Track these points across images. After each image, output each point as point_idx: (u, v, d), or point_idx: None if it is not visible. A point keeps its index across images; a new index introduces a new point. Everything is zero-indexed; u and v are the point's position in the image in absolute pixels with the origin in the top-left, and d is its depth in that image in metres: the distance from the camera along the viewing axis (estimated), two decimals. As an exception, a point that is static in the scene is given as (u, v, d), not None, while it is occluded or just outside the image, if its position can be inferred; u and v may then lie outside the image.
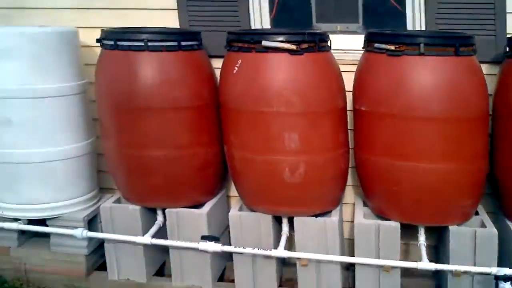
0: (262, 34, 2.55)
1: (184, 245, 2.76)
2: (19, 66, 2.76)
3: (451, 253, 2.60)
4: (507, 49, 2.64)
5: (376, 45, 2.54)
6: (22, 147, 2.82)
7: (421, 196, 2.53)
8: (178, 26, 3.03)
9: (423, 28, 2.85)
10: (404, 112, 2.46)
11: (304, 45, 2.51)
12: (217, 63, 2.83)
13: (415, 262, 2.58)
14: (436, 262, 2.62)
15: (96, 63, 2.77)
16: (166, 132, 2.67)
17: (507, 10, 2.74)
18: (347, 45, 2.91)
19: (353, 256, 2.67)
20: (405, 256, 2.96)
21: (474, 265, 2.56)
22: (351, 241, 2.82)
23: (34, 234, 3.08)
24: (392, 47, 2.48)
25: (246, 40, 2.52)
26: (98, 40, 2.72)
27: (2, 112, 2.78)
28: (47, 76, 2.81)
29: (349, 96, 2.71)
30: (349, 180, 2.91)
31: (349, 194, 3.01)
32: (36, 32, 2.79)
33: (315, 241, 2.66)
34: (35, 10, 3.20)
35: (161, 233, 2.88)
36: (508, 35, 2.71)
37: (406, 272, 2.74)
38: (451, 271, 2.59)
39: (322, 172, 2.63)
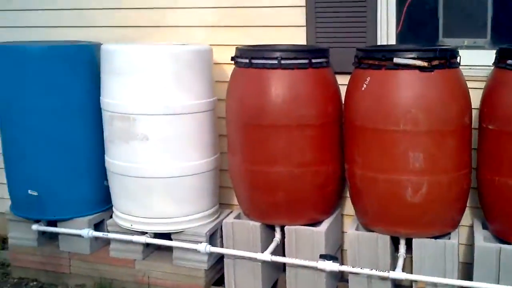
0: (394, 51, 2.65)
1: (303, 263, 2.88)
2: (160, 83, 2.98)
3: None
4: None
5: (509, 61, 2.57)
6: (155, 162, 3.05)
7: None
8: (305, 43, 3.20)
9: None
10: None
11: (435, 62, 2.59)
12: (341, 80, 2.96)
13: None
14: None
15: (229, 80, 2.99)
16: (292, 149, 2.81)
17: None
18: (473, 61, 2.95)
19: (468, 279, 2.70)
20: None
21: None
22: (464, 265, 2.90)
23: (157, 248, 3.33)
24: None
25: (377, 58, 2.63)
26: (232, 58, 2.93)
27: (142, 129, 3.01)
28: (186, 93, 3.04)
29: (474, 114, 2.74)
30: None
31: (466, 216, 3.00)
32: (177, 50, 3.04)
33: (432, 263, 2.71)
34: (170, 28, 3.50)
35: (277, 250, 3.03)
36: None
37: None
38: None
39: (445, 193, 2.67)
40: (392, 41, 3.14)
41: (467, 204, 2.91)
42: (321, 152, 2.87)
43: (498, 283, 2.60)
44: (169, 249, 3.20)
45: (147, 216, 3.13)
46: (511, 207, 2.57)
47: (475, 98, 2.73)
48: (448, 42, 3.09)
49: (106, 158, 3.22)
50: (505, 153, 2.56)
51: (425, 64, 2.56)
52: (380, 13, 3.08)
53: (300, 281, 2.94)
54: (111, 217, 3.34)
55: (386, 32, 3.13)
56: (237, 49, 2.93)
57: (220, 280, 3.20)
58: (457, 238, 2.76)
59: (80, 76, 3.25)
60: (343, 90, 2.89)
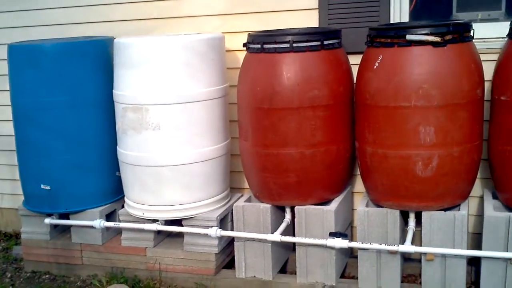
0: (406, 28, 2.76)
1: (313, 242, 3.01)
2: (172, 73, 3.13)
3: None
4: None
5: None
6: (166, 151, 3.19)
7: None
8: (317, 26, 3.35)
9: None
10: None
11: (448, 37, 2.69)
12: (353, 60, 3.09)
13: None
14: None
15: (241, 66, 3.14)
16: (303, 130, 2.94)
17: None
18: (487, 33, 3.04)
19: (476, 249, 2.82)
20: None
21: None
22: (474, 235, 3.04)
23: (168, 235, 3.49)
24: None
25: (389, 35, 2.75)
26: (244, 44, 3.08)
27: (154, 119, 3.16)
28: (197, 81, 3.19)
29: (487, 86, 2.85)
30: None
31: (476, 187, 3.10)
32: (189, 40, 3.19)
33: (442, 235, 2.83)
34: (182, 19, 3.66)
35: (287, 230, 3.15)
36: None
37: None
38: None
39: (456, 165, 2.78)
40: (406, 19, 3.26)
41: (478, 176, 3.01)
42: (332, 131, 2.99)
43: (506, 251, 2.72)
44: (180, 235, 3.36)
45: (159, 204, 3.27)
46: (506, 171, 2.71)
47: (490, 71, 2.83)
48: (462, 17, 3.20)
49: (118, 149, 3.40)
50: None
51: (438, 39, 2.66)
52: (394, -9, 3.24)
53: (310, 259, 3.07)
54: (122, 207, 3.51)
55: (400, 10, 3.24)
56: (249, 35, 3.09)
57: (231, 263, 3.35)
58: (467, 209, 2.87)
59: (94, 71, 3.44)
60: (356, 70, 3.02)
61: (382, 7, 3.17)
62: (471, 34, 2.78)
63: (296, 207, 3.04)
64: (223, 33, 3.37)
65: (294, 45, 2.87)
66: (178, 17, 3.64)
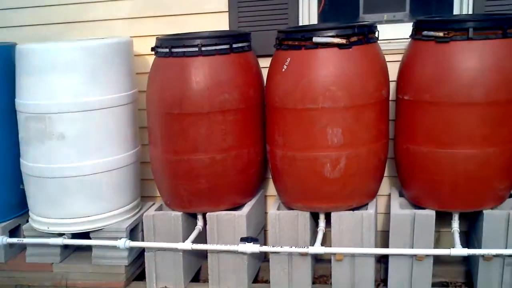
0: (313, 30, 2.80)
1: (224, 248, 3.01)
2: (76, 80, 3.05)
3: (484, 237, 2.82)
4: None
5: (425, 32, 2.74)
6: (72, 161, 3.09)
7: (458, 183, 2.76)
8: (228, 29, 3.36)
9: (471, 13, 3.05)
10: (449, 99, 2.66)
11: (354, 38, 2.75)
12: (264, 63, 3.10)
13: (449, 249, 2.78)
14: (467, 248, 2.82)
15: (150, 71, 3.09)
16: (213, 136, 2.93)
17: None
18: (392, 34, 3.14)
19: (386, 247, 2.92)
20: (438, 243, 3.19)
21: (506, 247, 2.75)
22: (383, 233, 3.14)
23: (76, 249, 3.37)
24: (441, 34, 2.67)
25: (297, 38, 2.78)
26: (152, 49, 3.04)
27: (58, 128, 3.05)
28: (103, 88, 3.11)
29: (392, 86, 2.93)
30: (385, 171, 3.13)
31: (384, 186, 3.20)
32: (92, 45, 3.12)
33: (351, 235, 2.90)
34: (89, 23, 3.55)
35: (199, 238, 3.12)
36: None
37: (437, 260, 2.96)
38: (482, 255, 2.78)
39: (363, 165, 2.85)
40: (314, 21, 3.32)
41: (386, 174, 3.11)
42: (243, 136, 2.99)
43: (412, 248, 2.82)
44: (89, 249, 3.25)
45: (65, 217, 3.15)
46: (425, 172, 2.79)
47: (396, 71, 2.90)
48: (368, 18, 3.29)
49: (22, 161, 3.26)
50: (420, 122, 2.76)
51: (344, 41, 2.72)
52: (302, -6, 3.31)
53: (222, 266, 3.06)
54: (27, 221, 3.34)
55: (308, 12, 3.30)
56: (157, 39, 3.06)
57: (143, 275, 3.24)
58: (374, 207, 2.96)
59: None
60: (266, 73, 3.03)
61: (291, 9, 3.21)
62: (376, 35, 2.85)
63: (207, 214, 3.02)
64: (132, 37, 3.30)
65: (203, 48, 2.85)
66: (85, 21, 3.55)
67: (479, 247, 2.83)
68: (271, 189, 3.26)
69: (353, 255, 2.89)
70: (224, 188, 2.97)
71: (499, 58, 2.63)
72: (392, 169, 3.13)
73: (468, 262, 3.11)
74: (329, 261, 2.97)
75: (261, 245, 2.94)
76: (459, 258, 3.10)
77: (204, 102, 2.86)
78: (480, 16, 2.95)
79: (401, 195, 3.08)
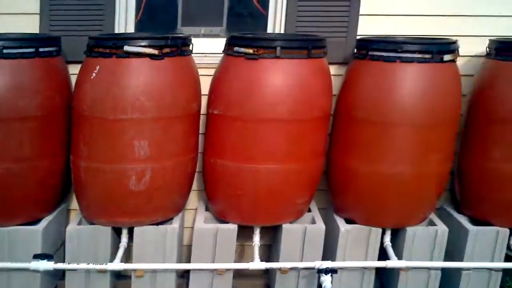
0: (125, 39, 2.78)
1: (13, 266, 2.84)
2: None
3: (281, 250, 2.95)
4: (355, 50, 3.00)
5: (236, 48, 2.82)
6: None
7: (260, 197, 2.86)
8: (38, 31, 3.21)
9: (283, 31, 3.19)
10: (255, 115, 2.75)
11: (166, 50, 2.74)
12: (74, 69, 2.98)
13: (248, 263, 2.87)
14: (268, 261, 2.94)
15: None
16: (11, 144, 2.76)
17: (360, 13, 3.13)
18: (210, 48, 3.18)
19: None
20: (241, 257, 3.28)
21: (301, 261, 2.90)
22: (190, 248, 3.11)
23: None
24: (251, 51, 2.75)
25: (108, 46, 2.73)
26: None
27: None
28: None
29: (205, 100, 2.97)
30: (194, 185, 3.16)
31: (193, 200, 3.26)
32: None
33: (154, 250, 2.89)
34: None
35: None
36: (358, 37, 3.10)
37: (240, 273, 3.05)
38: (279, 268, 2.90)
39: (169, 179, 2.85)
40: (131, 29, 3.28)
41: (196, 188, 3.15)
42: (44, 145, 2.87)
43: (213, 262, 2.87)
44: None
45: None
46: (229, 187, 2.86)
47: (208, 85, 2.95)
48: (186, 31, 3.30)
49: None
50: (227, 137, 2.83)
51: (156, 52, 2.70)
52: (119, 1, 3.20)
53: (13, 285, 2.87)
54: None
55: (125, 20, 3.25)
56: None
57: None
58: (179, 222, 2.97)
59: None
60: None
61: (107, 16, 3.13)
62: (190, 48, 2.87)
63: None
64: None
65: (5, 51, 2.69)
66: None
67: (278, 260, 2.93)
68: (75, 202, 3.11)
69: (154, 271, 2.86)
70: (20, 201, 2.81)
71: (303, 77, 2.77)
72: (202, 183, 3.14)
73: (269, 275, 3.20)
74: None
75: (54, 262, 2.78)
76: (260, 272, 3.16)
77: (1, 107, 2.68)
78: (288, 35, 3.09)
79: (207, 209, 3.11)
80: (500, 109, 2.94)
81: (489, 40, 3.09)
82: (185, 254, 3.21)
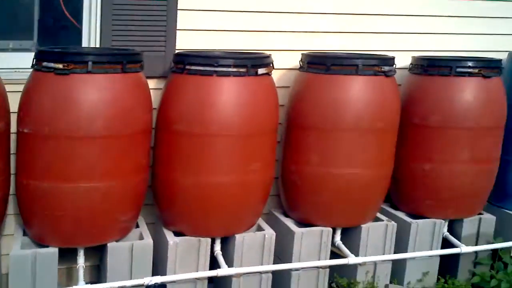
0: None
1: None
2: None
3: (108, 270, 2.88)
4: (173, 64, 3.02)
5: (45, 63, 2.69)
6: None
7: (81, 217, 2.77)
8: None
9: (98, 45, 3.12)
10: (69, 132, 2.66)
11: None
12: None
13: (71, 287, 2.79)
14: (98, 282, 2.87)
15: None
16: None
17: (178, 28, 3.15)
18: (20, 63, 3.02)
19: None
20: (70, 280, 3.16)
21: (131, 278, 2.85)
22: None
23: None
24: (60, 66, 2.65)
25: None
26: None
27: None
28: None
29: (14, 118, 2.81)
30: (10, 209, 3.00)
31: (10, 224, 3.08)
32: None
33: None
34: None
35: None
36: (176, 51, 3.14)
37: None
38: None
39: None
40: None
41: (12, 212, 3.00)
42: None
43: None
44: None
45: None
46: (45, 209, 2.70)
47: (17, 102, 2.77)
48: None
49: None
50: (39, 156, 2.69)
51: None
52: None
53: None
54: None
55: None
56: None
57: None
58: None
59: None
60: None
61: None
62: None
63: None
64: None
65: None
66: None
67: (105, 280, 2.86)
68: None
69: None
70: None
71: (118, 92, 2.72)
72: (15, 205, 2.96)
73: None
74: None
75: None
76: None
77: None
78: (101, 50, 3.04)
79: (26, 234, 2.91)
80: (311, 117, 3.14)
81: (302, 54, 3.29)
82: (5, 284, 2.98)
